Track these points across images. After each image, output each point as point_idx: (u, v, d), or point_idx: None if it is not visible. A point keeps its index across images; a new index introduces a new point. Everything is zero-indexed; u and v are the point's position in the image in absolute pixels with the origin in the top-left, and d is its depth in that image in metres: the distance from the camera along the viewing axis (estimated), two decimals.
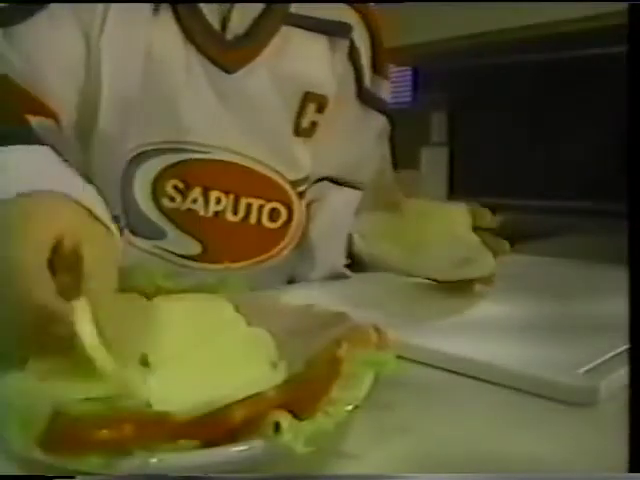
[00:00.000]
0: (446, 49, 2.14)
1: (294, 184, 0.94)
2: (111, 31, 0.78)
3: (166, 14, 0.82)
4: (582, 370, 0.49)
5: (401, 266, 0.76)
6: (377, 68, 1.04)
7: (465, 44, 2.06)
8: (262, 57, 0.88)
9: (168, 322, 0.52)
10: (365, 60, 1.02)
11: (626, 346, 0.47)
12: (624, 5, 0.42)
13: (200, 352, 0.48)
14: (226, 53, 0.86)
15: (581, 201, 2.05)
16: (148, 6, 0.80)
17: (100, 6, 0.78)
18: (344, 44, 0.98)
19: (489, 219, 0.79)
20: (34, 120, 0.75)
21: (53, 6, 0.75)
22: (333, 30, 0.97)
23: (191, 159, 0.85)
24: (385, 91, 1.07)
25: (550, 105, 2.21)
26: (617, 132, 1.67)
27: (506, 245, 0.78)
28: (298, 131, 0.94)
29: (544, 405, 0.47)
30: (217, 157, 0.87)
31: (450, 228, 0.76)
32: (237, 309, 0.54)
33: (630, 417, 0.34)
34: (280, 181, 0.93)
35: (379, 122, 1.07)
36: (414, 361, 0.53)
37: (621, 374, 0.47)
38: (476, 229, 0.78)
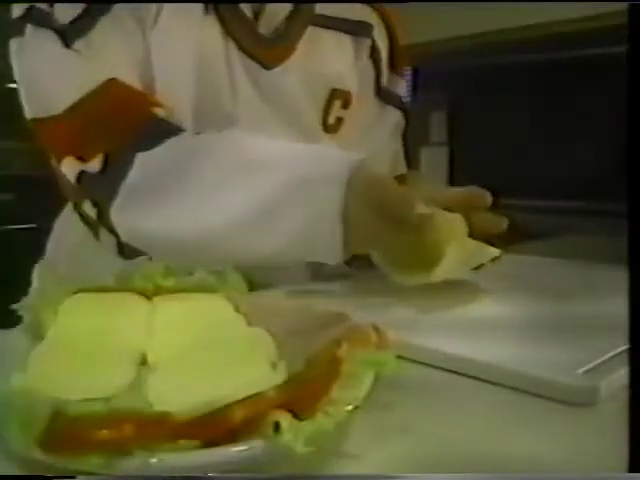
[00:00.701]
0: (446, 49, 2.14)
1: None
2: (162, 28, 0.82)
3: (211, 13, 0.85)
4: (582, 370, 0.49)
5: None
6: (394, 66, 1.10)
7: (465, 44, 2.06)
8: (294, 55, 0.92)
9: (168, 322, 0.52)
10: (384, 58, 1.07)
11: (626, 346, 0.47)
12: (624, 5, 0.42)
13: (200, 352, 0.48)
14: (264, 50, 0.89)
15: (581, 201, 2.05)
16: (200, 6, 0.84)
17: (154, 5, 0.81)
18: (366, 43, 1.04)
19: (486, 199, 0.79)
20: (160, 111, 0.81)
21: (115, 8, 0.79)
22: (356, 30, 1.03)
23: None
24: (401, 88, 1.12)
25: (550, 105, 2.21)
26: (617, 132, 1.67)
27: (504, 222, 0.78)
28: (326, 127, 0.98)
29: (544, 405, 0.47)
30: None
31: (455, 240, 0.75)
32: (237, 309, 0.54)
33: (630, 417, 0.34)
34: None
35: (395, 117, 1.11)
36: (414, 361, 0.53)
37: (621, 374, 0.47)
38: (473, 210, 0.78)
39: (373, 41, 1.05)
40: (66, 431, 0.34)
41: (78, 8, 0.79)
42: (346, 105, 1.00)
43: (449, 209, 0.76)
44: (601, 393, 0.47)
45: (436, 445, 0.41)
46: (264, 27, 0.90)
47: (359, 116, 1.03)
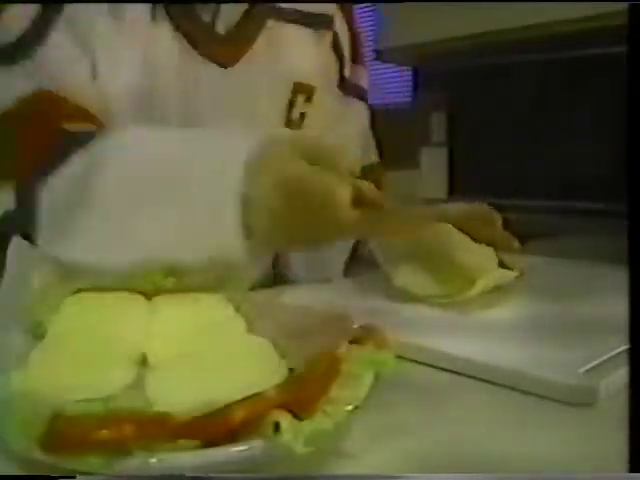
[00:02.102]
0: (446, 49, 2.14)
1: None
2: (106, 34, 0.80)
3: (160, 14, 0.83)
4: (582, 370, 0.49)
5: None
6: (356, 57, 1.08)
7: (465, 44, 2.06)
8: (253, 51, 0.90)
9: (168, 322, 0.52)
10: (346, 50, 1.06)
11: (626, 346, 0.47)
12: (624, 5, 0.42)
13: (200, 352, 0.48)
14: (220, 48, 0.87)
15: (581, 201, 2.05)
16: (147, 13, 0.82)
17: (95, 9, 0.79)
18: (328, 35, 1.01)
19: (496, 218, 0.80)
20: (72, 125, 0.75)
21: (53, 34, 0.76)
22: (317, 22, 1.00)
23: None
24: (364, 79, 1.11)
25: (550, 105, 2.21)
26: (617, 132, 1.67)
27: (516, 243, 0.79)
28: (290, 122, 0.96)
29: (544, 405, 0.47)
30: None
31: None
32: (237, 309, 0.54)
33: (630, 417, 0.34)
34: None
35: (359, 109, 1.10)
36: (414, 361, 0.53)
37: (621, 374, 0.47)
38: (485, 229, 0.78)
39: (334, 33, 1.03)
40: (66, 431, 0.34)
41: (13, 29, 0.77)
42: (309, 99, 0.99)
43: (459, 225, 0.76)
44: (601, 393, 0.47)
45: (436, 445, 0.41)
46: (222, 25, 0.88)
47: (322, 110, 1.01)
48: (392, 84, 2.73)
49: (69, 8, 0.77)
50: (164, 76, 0.84)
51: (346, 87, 1.07)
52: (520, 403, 0.47)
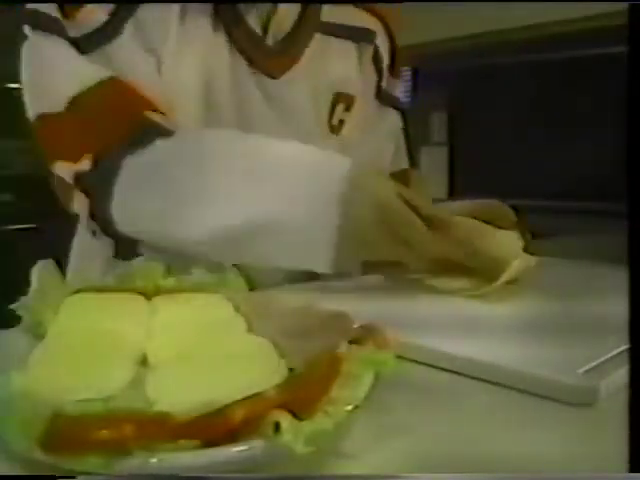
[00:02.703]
0: (446, 49, 2.14)
1: None
2: (172, 46, 0.84)
3: (219, 30, 0.87)
4: (582, 370, 0.49)
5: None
6: (394, 70, 1.14)
7: (465, 44, 2.06)
8: (300, 63, 0.95)
9: (168, 322, 0.52)
10: (385, 63, 1.12)
11: (626, 346, 0.47)
12: (624, 5, 0.42)
13: (200, 352, 0.48)
14: (270, 60, 0.92)
15: (581, 201, 2.05)
16: (209, 24, 0.86)
17: (166, 25, 0.83)
18: (370, 49, 1.09)
19: (512, 217, 0.81)
20: (154, 115, 0.81)
21: (126, 32, 0.80)
22: (360, 37, 1.07)
23: None
24: (398, 90, 1.17)
25: (550, 105, 2.21)
26: (617, 132, 1.67)
27: (529, 238, 0.80)
28: (330, 128, 1.01)
29: (544, 405, 0.47)
30: None
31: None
32: (237, 309, 0.54)
33: (630, 417, 0.34)
34: None
35: (394, 118, 1.16)
36: (414, 361, 0.53)
37: (621, 374, 0.47)
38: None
39: (376, 47, 1.09)
40: (66, 431, 0.34)
41: (88, 25, 0.80)
42: (348, 108, 1.04)
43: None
44: (601, 393, 0.47)
45: (436, 445, 0.41)
46: (272, 38, 0.93)
47: (360, 118, 1.06)
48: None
49: (141, 10, 0.81)
50: (219, 83, 0.89)
51: (383, 97, 1.13)
52: (520, 403, 0.47)
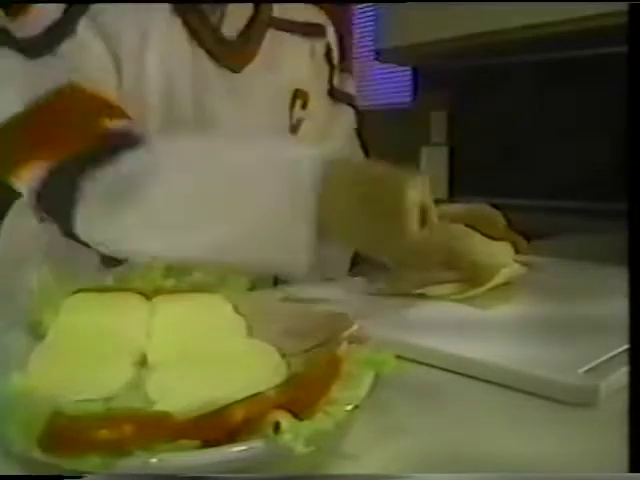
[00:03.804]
0: (446, 49, 2.14)
1: None
2: (131, 39, 0.82)
3: (175, 19, 0.86)
4: (582, 370, 0.49)
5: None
6: (344, 65, 1.14)
7: (465, 44, 2.06)
8: (258, 58, 0.94)
9: (168, 322, 0.52)
10: (336, 59, 1.12)
11: (626, 346, 0.47)
12: (624, 5, 0.42)
13: (200, 352, 0.48)
14: (230, 53, 0.91)
15: (581, 201, 2.05)
16: (169, 14, 0.85)
17: (121, 16, 0.82)
18: (322, 44, 1.09)
19: (499, 217, 0.80)
20: (120, 123, 0.77)
21: (80, 32, 0.78)
22: (311, 32, 1.07)
23: None
24: (352, 86, 1.16)
25: (550, 105, 2.21)
26: (617, 132, 1.67)
27: (523, 241, 0.80)
28: (290, 128, 1.00)
29: (544, 405, 0.47)
30: None
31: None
32: (237, 309, 0.54)
33: (630, 417, 0.34)
34: None
35: (347, 115, 1.15)
36: (414, 361, 0.53)
37: (621, 374, 0.47)
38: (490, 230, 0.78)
39: (328, 42, 1.09)
40: (66, 431, 0.34)
41: (38, 24, 0.78)
42: (304, 105, 1.03)
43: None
44: (601, 393, 0.47)
45: (436, 445, 0.41)
46: (227, 30, 0.92)
47: (315, 116, 1.05)
48: (392, 84, 2.73)
49: (94, 7, 0.80)
50: (180, 78, 0.88)
51: (335, 95, 1.12)
52: (520, 403, 0.47)
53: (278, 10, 1.00)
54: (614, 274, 0.57)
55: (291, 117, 1.02)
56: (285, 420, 0.35)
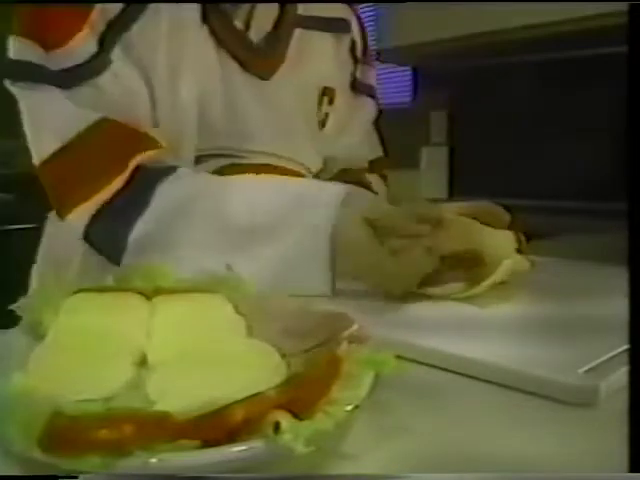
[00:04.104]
0: (446, 49, 2.14)
1: (316, 176, 1.05)
2: (163, 59, 0.83)
3: (202, 27, 0.87)
4: (582, 370, 0.49)
5: None
6: (366, 57, 1.15)
7: (465, 44, 2.06)
8: (287, 62, 0.95)
9: (168, 323, 0.52)
10: (360, 52, 1.13)
11: (626, 346, 0.47)
12: (624, 5, 0.42)
13: (200, 352, 0.48)
14: (258, 61, 0.92)
15: (581, 201, 2.05)
16: (198, 27, 0.86)
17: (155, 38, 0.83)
18: (346, 39, 1.08)
19: (503, 214, 0.80)
20: (153, 154, 0.81)
21: (114, 62, 0.79)
22: (337, 27, 1.06)
23: (232, 164, 0.90)
24: (373, 78, 1.18)
25: (550, 105, 2.21)
26: (616, 132, 1.67)
27: (523, 239, 0.80)
28: (318, 124, 1.02)
29: (544, 405, 0.46)
30: (254, 161, 0.92)
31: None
32: (237, 309, 0.54)
33: (630, 417, 0.34)
34: (307, 174, 1.03)
35: (369, 106, 1.16)
36: (414, 361, 0.53)
37: (621, 374, 0.47)
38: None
39: (352, 36, 1.09)
40: (66, 431, 0.34)
41: (76, 57, 0.79)
42: (331, 101, 1.05)
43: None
44: (601, 393, 0.47)
45: (436, 445, 0.41)
46: (254, 36, 0.92)
47: (341, 109, 1.07)
48: (392, 84, 2.73)
49: (128, 34, 0.81)
50: (211, 90, 0.89)
51: (358, 87, 1.14)
52: (520, 403, 0.47)
53: (303, 8, 1.00)
54: (614, 274, 0.56)
55: (318, 114, 1.03)
56: (285, 420, 0.35)
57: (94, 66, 0.80)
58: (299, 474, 0.36)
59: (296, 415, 0.35)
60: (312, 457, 0.35)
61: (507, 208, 0.83)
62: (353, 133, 1.12)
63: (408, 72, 2.68)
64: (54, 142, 0.79)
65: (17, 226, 2.41)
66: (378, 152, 1.18)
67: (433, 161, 2.57)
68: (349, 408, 0.38)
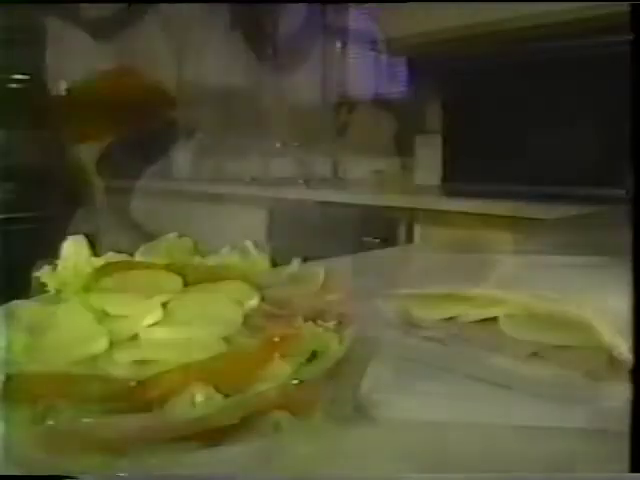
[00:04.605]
0: (441, 39, 2.14)
1: None
2: (193, 40, 0.85)
3: (234, 25, 0.89)
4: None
5: None
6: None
7: (460, 34, 2.07)
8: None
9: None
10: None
11: None
12: (624, 5, 0.42)
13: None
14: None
15: (577, 187, 2.05)
16: (227, 23, 0.87)
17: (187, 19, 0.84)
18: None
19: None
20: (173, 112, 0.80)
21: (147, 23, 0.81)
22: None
23: None
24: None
25: (546, 93, 2.21)
26: (617, 130, 1.67)
27: None
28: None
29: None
30: None
31: None
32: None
33: (630, 417, 0.34)
34: None
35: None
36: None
37: None
38: None
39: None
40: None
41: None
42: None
43: None
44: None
45: (435, 445, 0.41)
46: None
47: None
48: (388, 74, 2.73)
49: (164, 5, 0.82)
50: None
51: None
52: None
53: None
54: (616, 270, 0.56)
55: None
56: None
57: (126, 17, 0.81)
58: (299, 474, 0.36)
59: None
60: (312, 457, 0.35)
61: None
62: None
63: (403, 61, 2.68)
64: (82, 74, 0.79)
65: (17, 226, 2.40)
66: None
67: (427, 148, 2.57)
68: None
